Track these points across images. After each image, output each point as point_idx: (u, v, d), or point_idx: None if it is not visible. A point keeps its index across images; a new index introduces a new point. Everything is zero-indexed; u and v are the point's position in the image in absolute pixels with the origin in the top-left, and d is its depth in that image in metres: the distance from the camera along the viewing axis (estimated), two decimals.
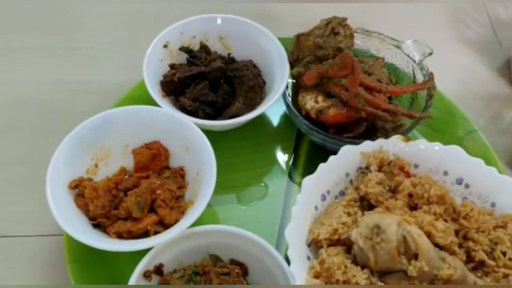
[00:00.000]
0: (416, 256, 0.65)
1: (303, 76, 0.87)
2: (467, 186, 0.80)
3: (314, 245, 0.74)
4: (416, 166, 0.82)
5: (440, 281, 0.65)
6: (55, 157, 0.76)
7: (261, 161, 0.91)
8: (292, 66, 0.89)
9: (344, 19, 0.87)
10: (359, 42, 0.96)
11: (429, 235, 0.68)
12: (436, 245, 0.69)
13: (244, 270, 0.75)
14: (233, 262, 0.75)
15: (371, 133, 0.88)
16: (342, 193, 0.80)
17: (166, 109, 0.83)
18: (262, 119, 0.95)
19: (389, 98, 0.93)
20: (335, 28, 0.85)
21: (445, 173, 0.81)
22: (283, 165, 0.91)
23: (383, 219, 0.67)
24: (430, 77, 0.88)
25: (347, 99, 0.82)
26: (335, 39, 0.85)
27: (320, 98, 0.85)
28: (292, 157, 0.92)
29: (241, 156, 0.91)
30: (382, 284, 0.66)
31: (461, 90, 1.03)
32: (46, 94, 1.01)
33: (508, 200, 0.77)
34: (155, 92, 0.85)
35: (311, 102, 0.86)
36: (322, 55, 0.86)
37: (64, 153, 0.78)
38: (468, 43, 1.13)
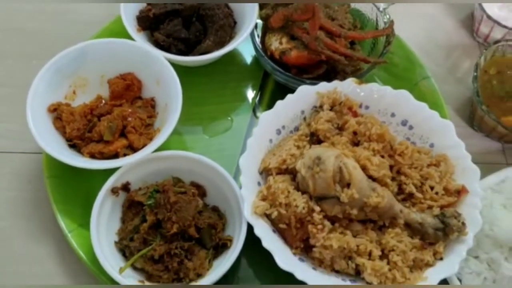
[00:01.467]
0: (348, 185, 0.74)
1: (270, 18, 0.92)
2: (410, 127, 0.88)
3: (266, 173, 0.83)
4: (367, 107, 0.89)
5: (368, 208, 0.74)
6: (35, 82, 0.84)
7: (228, 96, 0.99)
8: (261, 7, 0.95)
9: None
10: None
11: (364, 168, 0.77)
12: (370, 177, 0.77)
13: (202, 192, 0.84)
14: (193, 184, 0.84)
15: (332, 76, 0.95)
16: (297, 129, 0.88)
17: (140, 43, 0.90)
18: (232, 58, 1.02)
19: (352, 43, 0.99)
20: None
21: (393, 114, 0.89)
22: (249, 102, 0.98)
23: (324, 152, 0.76)
24: (389, 24, 0.94)
25: (308, 42, 0.88)
26: None
27: (284, 40, 0.92)
28: (258, 94, 0.99)
29: (210, 91, 0.98)
30: (318, 207, 0.75)
31: (424, 39, 1.09)
32: (29, 23, 1.07)
33: (445, 142, 0.85)
34: (131, 26, 0.91)
35: (276, 43, 0.92)
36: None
37: (44, 79, 0.85)
38: None
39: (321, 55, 0.88)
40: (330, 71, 0.95)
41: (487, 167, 0.92)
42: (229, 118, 0.97)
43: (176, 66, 0.89)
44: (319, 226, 0.75)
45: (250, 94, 1.00)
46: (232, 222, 0.81)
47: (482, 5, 1.02)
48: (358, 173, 0.75)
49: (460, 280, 0.82)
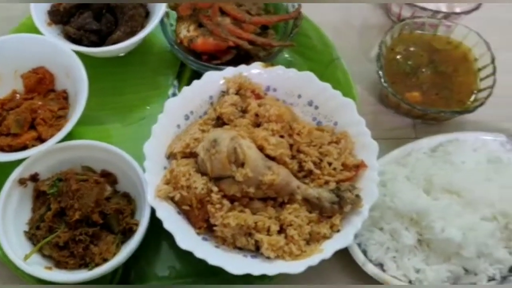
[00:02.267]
0: (243, 165, 0.76)
1: (179, 7, 0.95)
2: (316, 107, 0.91)
3: (173, 157, 0.86)
4: (275, 89, 0.92)
5: (265, 185, 0.77)
6: None
7: (146, 85, 1.01)
8: None
9: None
10: None
11: (262, 147, 0.80)
12: (268, 156, 0.80)
13: (113, 179, 0.87)
14: (104, 172, 0.86)
15: (246, 60, 0.97)
16: (206, 114, 0.91)
17: (49, 37, 0.92)
18: (150, 48, 1.04)
19: (266, 28, 1.01)
20: None
21: (299, 96, 0.91)
22: (167, 90, 1.01)
23: (220, 134, 0.78)
24: (296, 8, 0.96)
25: (211, 28, 0.90)
26: None
27: (192, 28, 0.94)
28: (176, 82, 1.02)
29: (127, 80, 1.01)
30: (216, 188, 0.78)
31: (340, 22, 1.11)
32: None
33: (347, 119, 0.88)
34: (40, 21, 0.93)
35: (185, 31, 0.94)
36: None
37: None
38: None
39: (228, 41, 0.91)
40: (244, 57, 0.98)
41: (397, 142, 0.96)
42: (148, 107, 0.99)
43: (92, 58, 0.90)
44: (218, 206, 0.78)
45: (167, 82, 1.02)
46: (140, 207, 0.84)
47: None
48: (253, 153, 0.77)
49: (365, 252, 0.85)
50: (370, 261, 0.84)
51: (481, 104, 0.91)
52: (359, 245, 0.86)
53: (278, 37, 1.00)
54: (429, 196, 0.85)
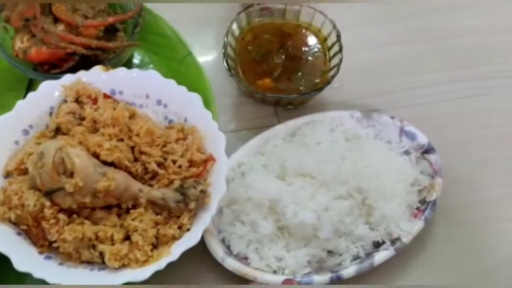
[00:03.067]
0: (73, 174, 0.73)
1: (10, 19, 0.90)
2: (165, 105, 0.88)
3: (11, 176, 0.81)
4: (121, 92, 0.88)
5: (101, 193, 0.73)
6: None
7: None
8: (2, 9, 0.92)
9: None
10: None
11: (96, 154, 0.76)
12: (105, 162, 0.77)
13: None
14: None
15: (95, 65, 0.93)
16: (48, 126, 0.86)
17: None
18: None
19: (116, 30, 0.98)
20: None
21: (147, 96, 0.88)
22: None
23: (46, 146, 0.74)
24: (136, 7, 0.93)
25: (41, 37, 0.86)
26: None
27: (25, 38, 0.89)
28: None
29: None
30: (49, 202, 0.74)
31: (196, 16, 1.09)
32: None
33: (196, 114, 0.85)
34: None
35: (19, 43, 0.90)
36: None
37: None
38: None
39: (63, 48, 0.87)
40: (94, 62, 0.94)
41: (260, 130, 0.95)
42: None
43: None
44: (52, 221, 0.73)
45: (20, 98, 0.96)
46: None
47: None
48: (82, 161, 0.73)
49: (229, 246, 0.83)
50: (234, 255, 0.82)
51: (328, 83, 0.90)
52: (223, 240, 0.84)
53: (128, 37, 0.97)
54: (284, 182, 0.84)
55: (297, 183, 0.82)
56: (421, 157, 0.88)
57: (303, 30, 0.98)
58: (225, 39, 0.94)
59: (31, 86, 0.96)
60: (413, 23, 1.09)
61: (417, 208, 0.84)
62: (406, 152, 0.89)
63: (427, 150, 0.88)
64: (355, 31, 1.05)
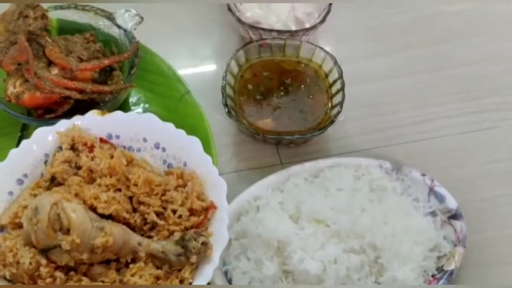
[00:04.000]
0: (69, 231, 0.70)
1: (2, 64, 0.87)
2: (164, 149, 0.85)
3: (6, 230, 0.78)
4: (117, 136, 0.86)
5: (99, 249, 0.71)
6: None
7: None
8: None
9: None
10: (77, 17, 0.97)
11: (93, 207, 0.74)
12: (103, 215, 0.74)
13: None
14: None
15: (90, 109, 0.91)
16: (43, 175, 0.83)
17: None
18: None
19: (112, 70, 0.95)
20: (23, 11, 0.86)
21: (144, 139, 0.85)
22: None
23: (41, 201, 0.71)
24: (132, 47, 0.91)
25: (34, 82, 0.83)
26: (24, 23, 0.86)
27: (18, 83, 0.86)
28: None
29: None
30: (45, 260, 0.71)
31: (191, 52, 1.07)
32: None
33: (195, 159, 0.82)
34: None
35: (11, 87, 0.87)
36: (16, 41, 0.86)
37: None
38: None
39: (56, 93, 0.84)
40: (89, 105, 0.91)
41: (265, 170, 0.92)
42: None
43: None
44: (48, 280, 0.70)
45: (13, 142, 0.93)
46: None
47: (232, 5, 1.00)
48: (78, 216, 0.70)
49: (231, 280, 0.81)
50: None
51: (332, 122, 0.88)
52: (226, 273, 0.81)
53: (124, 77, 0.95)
54: (297, 225, 0.81)
55: (309, 228, 0.79)
56: (447, 221, 0.84)
57: (303, 66, 0.96)
58: (224, 78, 0.91)
59: (25, 129, 0.94)
60: (417, 53, 1.07)
61: (433, 276, 0.80)
62: (433, 214, 0.85)
63: (454, 216, 0.84)
64: (356, 64, 1.03)
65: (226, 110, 0.89)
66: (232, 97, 0.91)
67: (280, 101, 0.93)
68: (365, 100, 1.00)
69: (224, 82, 0.90)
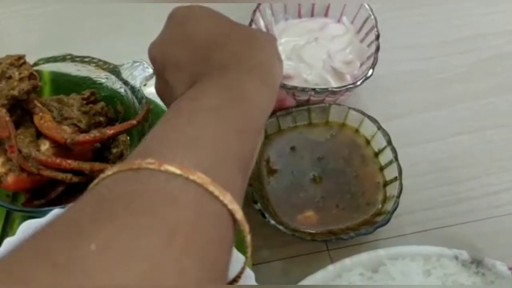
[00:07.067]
0: None
1: None
2: None
3: None
4: None
5: None
6: None
7: None
8: None
9: (20, 57, 0.70)
10: (74, 70, 0.80)
11: None
12: None
13: None
14: None
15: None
16: None
17: None
18: None
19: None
20: (5, 71, 0.68)
21: None
22: None
23: None
24: (144, 109, 0.73)
25: (19, 163, 0.66)
26: (8, 85, 0.68)
27: (0, 162, 0.69)
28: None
29: None
30: None
31: None
32: None
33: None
34: None
35: None
36: None
37: None
38: None
39: (44, 175, 0.66)
40: (90, 180, 0.73)
41: (306, 259, 0.75)
42: None
43: None
44: None
45: None
46: None
47: None
48: None
49: None
50: None
51: (396, 205, 0.69)
52: None
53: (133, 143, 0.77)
54: None
55: None
56: None
57: (335, 135, 0.77)
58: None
59: (9, 217, 0.76)
60: (487, 103, 0.89)
61: None
62: None
63: None
64: (406, 119, 0.86)
65: (260, 213, 0.70)
66: (260, 193, 0.72)
67: (318, 184, 0.74)
68: (424, 166, 0.82)
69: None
